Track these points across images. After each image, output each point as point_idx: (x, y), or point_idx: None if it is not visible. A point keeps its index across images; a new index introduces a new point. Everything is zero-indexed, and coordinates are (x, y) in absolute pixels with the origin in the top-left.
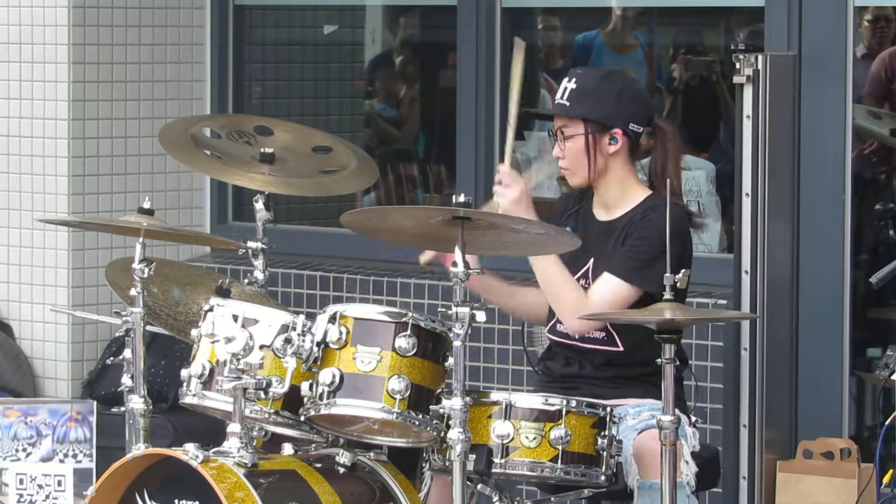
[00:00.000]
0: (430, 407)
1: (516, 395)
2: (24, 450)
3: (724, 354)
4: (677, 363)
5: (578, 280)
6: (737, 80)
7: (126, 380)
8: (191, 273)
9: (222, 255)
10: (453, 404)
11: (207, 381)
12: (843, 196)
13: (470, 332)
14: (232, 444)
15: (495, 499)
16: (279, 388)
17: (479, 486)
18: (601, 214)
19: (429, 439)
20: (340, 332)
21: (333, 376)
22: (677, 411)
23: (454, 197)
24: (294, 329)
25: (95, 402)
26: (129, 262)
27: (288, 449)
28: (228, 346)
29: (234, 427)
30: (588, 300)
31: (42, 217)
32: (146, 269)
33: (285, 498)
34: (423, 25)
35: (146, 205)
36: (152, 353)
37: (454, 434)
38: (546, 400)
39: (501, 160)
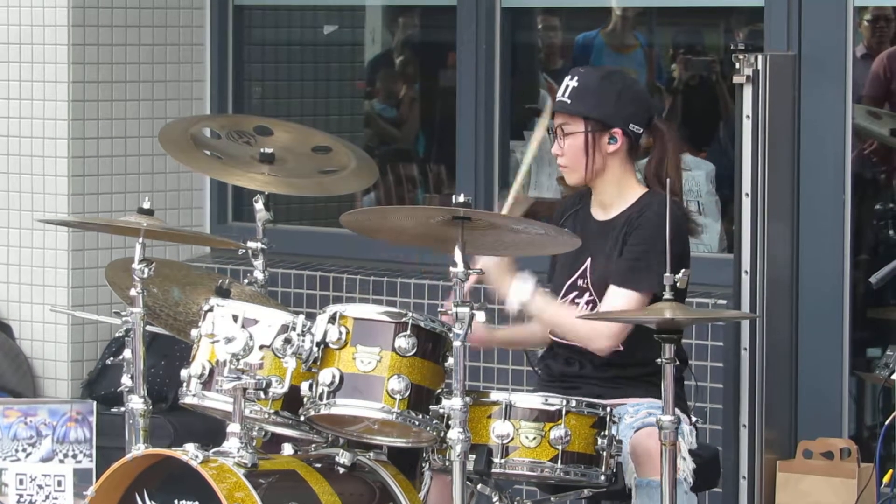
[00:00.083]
0: (430, 407)
1: (516, 395)
2: (24, 450)
3: (724, 354)
4: (677, 363)
5: (576, 280)
6: (736, 80)
7: (126, 380)
8: (191, 273)
9: (222, 256)
10: (453, 404)
11: (207, 382)
12: (843, 196)
13: (470, 332)
14: (232, 444)
15: (495, 499)
16: (279, 389)
17: (478, 486)
18: (598, 214)
19: (429, 439)
20: (340, 333)
21: (333, 376)
22: (677, 411)
23: (454, 197)
24: (294, 329)
25: (95, 403)
26: (128, 263)
27: (288, 449)
28: (228, 347)
29: (233, 427)
30: (599, 333)
31: (42, 217)
32: (146, 270)
33: (285, 498)
34: (422, 25)
35: (146, 205)
36: (152, 353)
37: (454, 434)
38: (546, 400)
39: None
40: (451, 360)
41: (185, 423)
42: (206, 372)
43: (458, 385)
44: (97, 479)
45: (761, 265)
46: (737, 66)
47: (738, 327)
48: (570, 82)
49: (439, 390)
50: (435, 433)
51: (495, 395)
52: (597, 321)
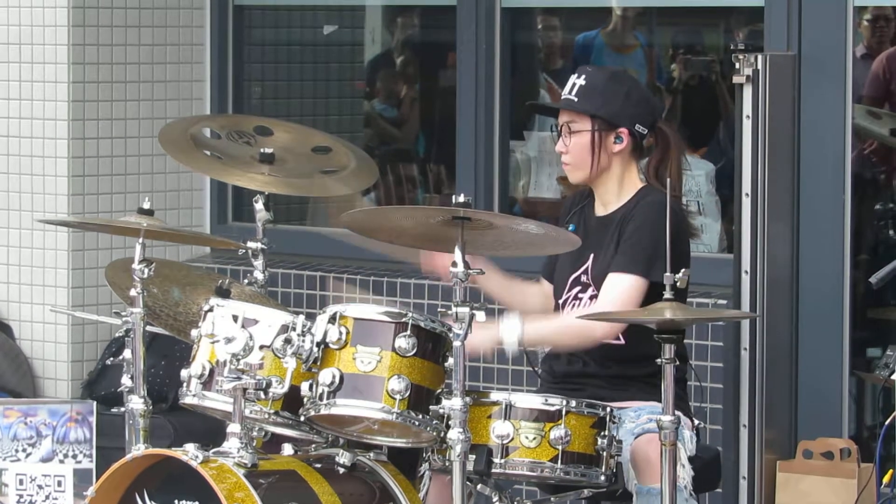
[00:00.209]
0: (430, 407)
1: (516, 396)
2: (24, 450)
3: (724, 354)
4: (677, 363)
5: (579, 276)
6: (736, 80)
7: (126, 380)
8: (191, 273)
9: (222, 256)
10: (453, 404)
11: (207, 382)
12: (843, 196)
13: (470, 332)
14: (232, 444)
15: (495, 499)
16: (279, 389)
17: (478, 487)
18: (600, 211)
19: (429, 439)
20: (340, 333)
21: (333, 376)
22: (678, 413)
23: (454, 197)
24: (294, 329)
25: (95, 403)
26: (128, 263)
27: (288, 449)
28: (228, 347)
29: (233, 427)
30: (590, 324)
31: (42, 217)
32: (146, 270)
33: (285, 498)
34: (422, 25)
35: (146, 205)
36: (152, 353)
37: (454, 434)
38: (546, 400)
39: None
40: (451, 361)
41: (185, 424)
42: (206, 372)
43: (458, 385)
44: (97, 479)
45: (761, 265)
46: (737, 66)
47: (738, 327)
48: (577, 80)
49: (439, 390)
50: (435, 433)
51: (495, 395)
52: (584, 325)
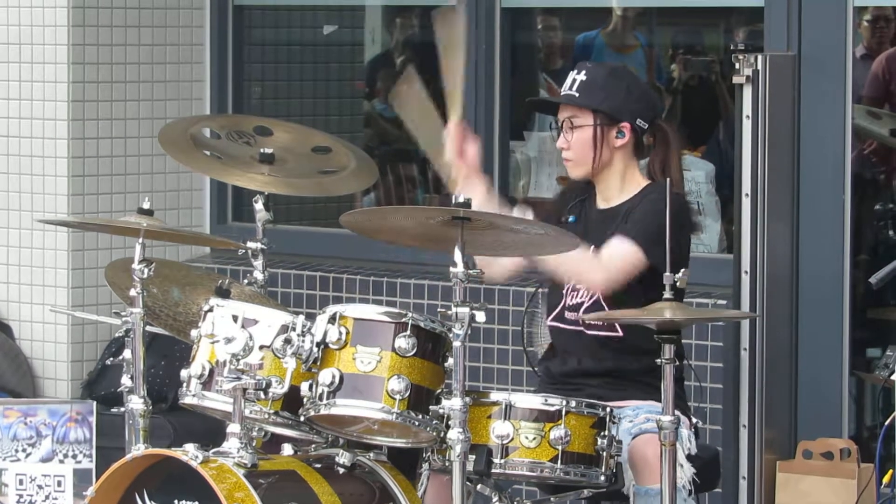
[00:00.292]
0: (430, 407)
1: (516, 396)
2: (24, 450)
3: (724, 354)
4: (677, 363)
5: None
6: (736, 80)
7: (126, 380)
8: (190, 273)
9: (222, 256)
10: (453, 404)
11: (207, 382)
12: (843, 196)
13: (470, 332)
14: (232, 444)
15: (495, 499)
16: (279, 389)
17: (478, 487)
18: (601, 204)
19: (428, 439)
20: (340, 333)
21: (333, 377)
22: (677, 412)
23: (454, 197)
24: (294, 329)
25: (95, 403)
26: (128, 263)
27: (288, 449)
28: (228, 347)
29: (233, 427)
30: (596, 256)
31: (42, 217)
32: (146, 270)
33: (285, 498)
34: (422, 25)
35: (146, 205)
36: (152, 353)
37: (454, 434)
38: (546, 400)
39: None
40: (450, 361)
41: (185, 424)
42: (206, 372)
43: (457, 385)
44: (97, 479)
45: (761, 265)
46: (737, 66)
47: (738, 327)
48: (577, 76)
49: (439, 390)
50: (435, 433)
51: (495, 396)
52: (594, 258)
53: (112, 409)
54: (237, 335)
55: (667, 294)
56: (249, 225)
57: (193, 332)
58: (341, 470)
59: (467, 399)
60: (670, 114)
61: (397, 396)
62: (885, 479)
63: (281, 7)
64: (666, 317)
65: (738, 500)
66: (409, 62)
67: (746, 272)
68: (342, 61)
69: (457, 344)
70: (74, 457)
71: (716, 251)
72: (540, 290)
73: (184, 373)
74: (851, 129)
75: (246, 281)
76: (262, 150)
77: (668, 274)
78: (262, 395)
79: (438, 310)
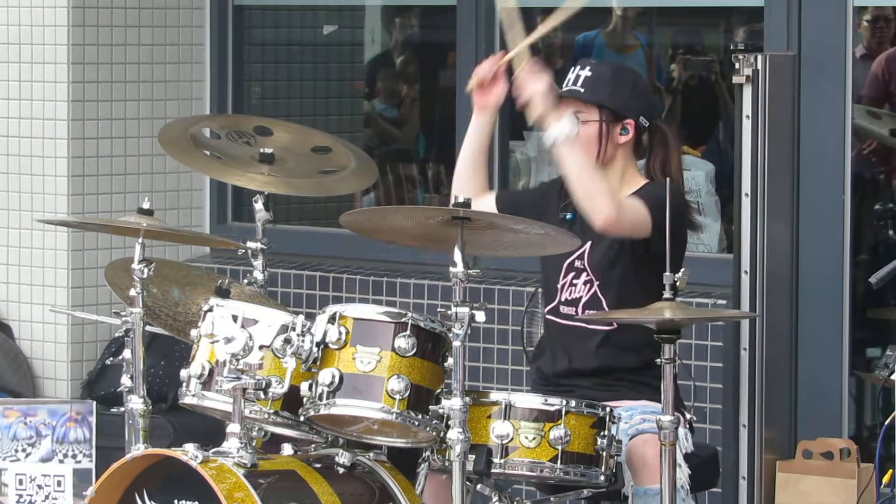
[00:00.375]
0: (430, 407)
1: (516, 396)
2: (24, 450)
3: (724, 354)
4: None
5: (573, 262)
6: (736, 80)
7: (125, 380)
8: (190, 273)
9: (222, 256)
10: (453, 404)
11: (207, 382)
12: (843, 196)
13: (469, 332)
14: (231, 444)
15: (495, 499)
16: (278, 389)
17: (478, 487)
18: None
19: (428, 439)
20: (340, 333)
21: (333, 376)
22: (676, 413)
23: (454, 197)
24: (293, 329)
25: (95, 403)
26: (128, 263)
27: (287, 449)
28: (228, 347)
29: (233, 427)
30: (608, 194)
31: (42, 217)
32: (146, 270)
33: (285, 498)
34: (422, 25)
35: (146, 205)
36: (152, 353)
37: (454, 434)
38: (545, 400)
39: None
40: (450, 361)
41: (185, 424)
42: (206, 372)
43: (457, 385)
44: (97, 479)
45: (761, 265)
46: (736, 66)
47: (738, 327)
48: (581, 72)
49: (439, 390)
50: (434, 433)
51: (495, 395)
52: (612, 192)
53: (112, 409)
54: (237, 335)
55: (666, 294)
56: (249, 225)
57: (193, 332)
58: (341, 470)
59: (467, 399)
60: (670, 114)
61: (397, 396)
62: (885, 479)
63: (281, 7)
64: (666, 317)
65: (737, 500)
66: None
67: (746, 272)
68: (342, 61)
69: (456, 344)
70: (74, 457)
71: (716, 251)
72: (540, 290)
73: (183, 373)
74: (851, 129)
75: (246, 281)
76: (261, 150)
77: (668, 274)
78: (262, 395)
79: (438, 310)
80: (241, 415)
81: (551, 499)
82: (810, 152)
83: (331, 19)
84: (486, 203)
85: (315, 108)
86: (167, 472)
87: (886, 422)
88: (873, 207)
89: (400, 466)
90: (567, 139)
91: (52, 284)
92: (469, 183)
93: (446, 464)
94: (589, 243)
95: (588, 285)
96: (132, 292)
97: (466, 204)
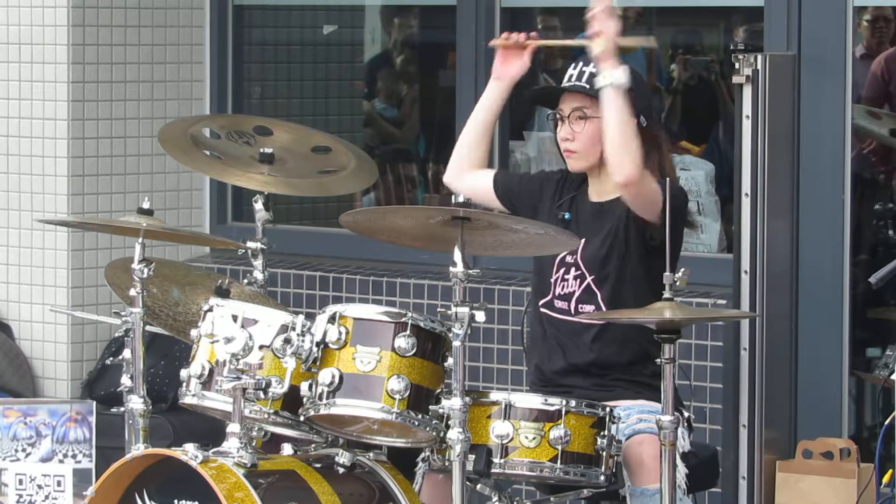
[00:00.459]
0: (430, 407)
1: (516, 395)
2: (24, 450)
3: (724, 354)
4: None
5: (565, 257)
6: (736, 80)
7: (125, 380)
8: (190, 273)
9: (222, 256)
10: (453, 404)
11: (207, 382)
12: (843, 196)
13: (469, 332)
14: (231, 444)
15: (495, 499)
16: (278, 389)
17: (478, 486)
18: (594, 197)
19: (428, 439)
20: (340, 333)
21: (333, 376)
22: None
23: (454, 197)
24: (293, 329)
25: (95, 403)
26: (128, 263)
27: (287, 449)
28: (228, 347)
29: (233, 427)
30: (638, 155)
31: (41, 217)
32: (146, 270)
33: (285, 498)
34: (422, 25)
35: (146, 205)
36: (152, 353)
37: (454, 434)
38: (545, 400)
39: None
40: (450, 360)
41: (185, 423)
42: (206, 372)
43: (457, 385)
44: (97, 479)
45: (761, 265)
46: (736, 66)
47: (738, 327)
48: (586, 68)
49: (439, 390)
50: (434, 433)
51: (495, 395)
52: (639, 156)
53: (112, 409)
54: (237, 335)
55: (666, 294)
56: (249, 225)
57: (193, 332)
58: (341, 470)
59: (467, 399)
60: (670, 114)
61: (397, 396)
62: (885, 479)
63: (281, 7)
64: (666, 317)
65: (737, 500)
66: None
67: (746, 272)
68: (342, 61)
69: (456, 344)
70: (74, 457)
71: (715, 251)
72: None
73: (183, 372)
74: (851, 129)
75: (246, 281)
76: (261, 150)
77: (668, 273)
78: (262, 395)
79: (438, 310)
80: (241, 415)
81: (551, 499)
82: (810, 152)
83: (331, 19)
84: (483, 178)
85: (315, 108)
86: (167, 472)
87: (886, 422)
88: (873, 207)
89: (400, 466)
90: (620, 87)
91: (52, 284)
92: (470, 154)
93: (446, 464)
94: (583, 241)
95: (579, 280)
96: (132, 292)
97: (466, 204)
